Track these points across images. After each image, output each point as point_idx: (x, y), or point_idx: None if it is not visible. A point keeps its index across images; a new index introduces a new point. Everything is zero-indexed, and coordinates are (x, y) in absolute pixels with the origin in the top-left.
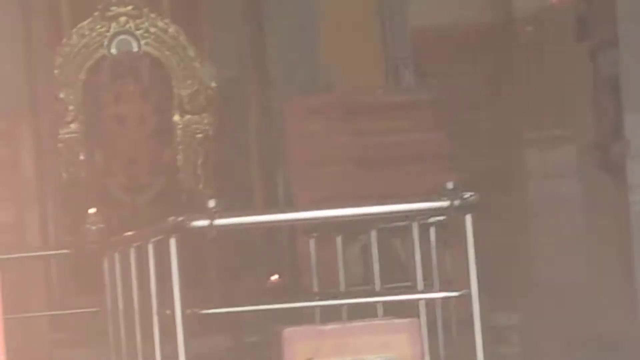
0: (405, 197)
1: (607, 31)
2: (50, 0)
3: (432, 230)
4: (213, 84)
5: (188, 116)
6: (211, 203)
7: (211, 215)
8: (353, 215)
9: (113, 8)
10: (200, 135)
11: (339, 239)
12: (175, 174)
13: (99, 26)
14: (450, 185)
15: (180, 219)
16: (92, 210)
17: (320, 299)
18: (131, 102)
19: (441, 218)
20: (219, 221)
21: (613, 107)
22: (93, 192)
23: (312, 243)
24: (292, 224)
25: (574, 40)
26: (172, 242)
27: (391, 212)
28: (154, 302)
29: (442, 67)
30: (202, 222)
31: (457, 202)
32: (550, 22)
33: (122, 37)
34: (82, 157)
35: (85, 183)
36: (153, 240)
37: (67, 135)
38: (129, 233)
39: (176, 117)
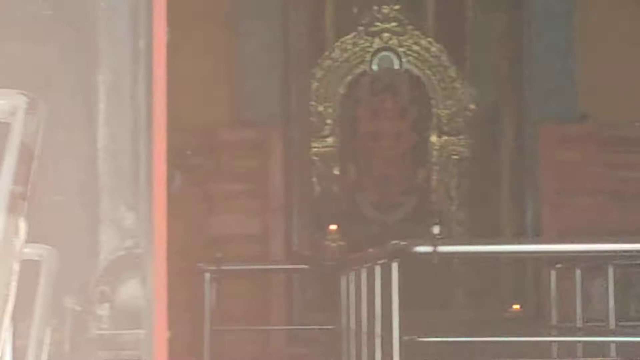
0: None
1: None
2: (313, 12)
3: None
4: (472, 106)
5: (445, 137)
6: (435, 230)
7: (434, 241)
8: (584, 252)
9: (377, 24)
10: (456, 157)
11: (578, 273)
12: (428, 194)
13: (361, 41)
14: None
15: (404, 243)
16: (333, 227)
17: (555, 333)
18: (389, 120)
19: None
20: (442, 248)
21: None
22: (344, 207)
23: (553, 274)
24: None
25: None
26: (394, 266)
27: (626, 251)
28: (378, 325)
29: None
30: (425, 248)
31: None
32: None
33: (384, 53)
34: (336, 172)
35: (338, 197)
36: (380, 262)
37: (322, 149)
38: (361, 253)
39: (433, 138)
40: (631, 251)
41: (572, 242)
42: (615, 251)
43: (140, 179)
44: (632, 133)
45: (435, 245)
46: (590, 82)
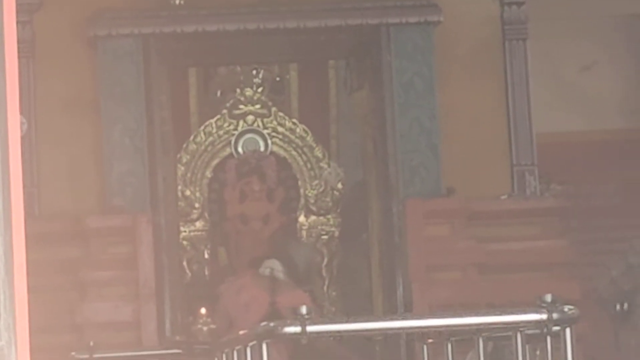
0: (511, 307)
1: None
2: (176, 96)
3: (548, 340)
4: (339, 185)
5: (313, 217)
6: (303, 309)
7: (303, 321)
8: (452, 325)
9: (241, 106)
10: (325, 237)
11: (448, 346)
12: None
13: (226, 124)
14: (548, 297)
15: (272, 324)
16: (203, 311)
17: None
18: (256, 201)
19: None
20: (311, 328)
21: None
22: (216, 291)
23: (425, 349)
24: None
25: None
26: (264, 347)
27: (490, 323)
28: None
29: (568, 174)
30: (294, 329)
31: (555, 315)
32: None
33: (249, 135)
34: (206, 255)
35: (209, 281)
36: (250, 344)
37: (192, 233)
38: (232, 335)
39: (302, 218)
40: (500, 323)
41: (440, 316)
42: (483, 324)
43: (0, 272)
44: (498, 206)
45: (303, 325)
46: (455, 157)
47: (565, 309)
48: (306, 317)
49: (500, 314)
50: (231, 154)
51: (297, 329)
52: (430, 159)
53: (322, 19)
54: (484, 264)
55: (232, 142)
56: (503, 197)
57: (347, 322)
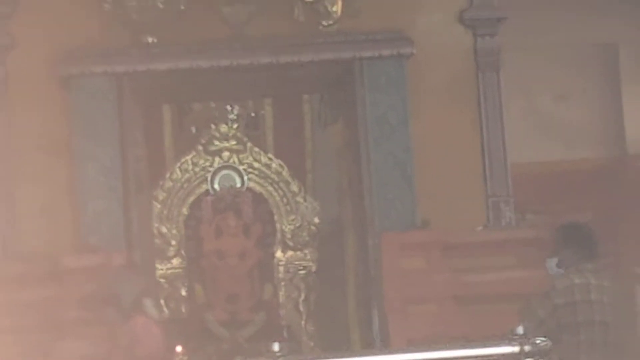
0: (486, 340)
1: None
2: (151, 134)
3: None
4: (316, 220)
5: (290, 252)
6: (275, 347)
7: (275, 358)
8: (431, 359)
9: (216, 143)
10: (302, 272)
11: None
12: (277, 309)
13: (202, 161)
14: (520, 330)
15: None
16: (179, 349)
17: None
18: (233, 237)
19: None
20: None
21: None
22: (193, 328)
23: None
24: None
25: None
26: None
27: (464, 357)
28: None
29: (544, 204)
30: None
31: (527, 348)
32: None
33: (225, 172)
34: (183, 292)
35: (186, 318)
36: None
37: (168, 271)
38: None
39: (278, 253)
40: (474, 356)
41: (415, 350)
42: (457, 357)
43: None
44: (474, 238)
45: None
46: (430, 189)
47: (537, 341)
48: (278, 354)
49: (473, 347)
50: (207, 191)
51: None
52: (405, 191)
53: (295, 54)
54: (460, 296)
55: (209, 178)
56: (479, 229)
57: (323, 357)
